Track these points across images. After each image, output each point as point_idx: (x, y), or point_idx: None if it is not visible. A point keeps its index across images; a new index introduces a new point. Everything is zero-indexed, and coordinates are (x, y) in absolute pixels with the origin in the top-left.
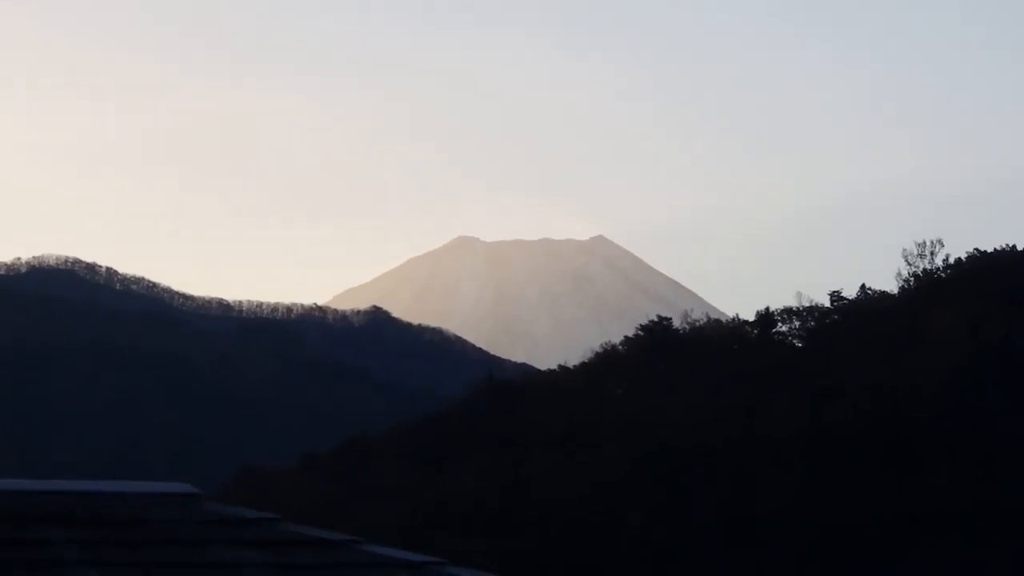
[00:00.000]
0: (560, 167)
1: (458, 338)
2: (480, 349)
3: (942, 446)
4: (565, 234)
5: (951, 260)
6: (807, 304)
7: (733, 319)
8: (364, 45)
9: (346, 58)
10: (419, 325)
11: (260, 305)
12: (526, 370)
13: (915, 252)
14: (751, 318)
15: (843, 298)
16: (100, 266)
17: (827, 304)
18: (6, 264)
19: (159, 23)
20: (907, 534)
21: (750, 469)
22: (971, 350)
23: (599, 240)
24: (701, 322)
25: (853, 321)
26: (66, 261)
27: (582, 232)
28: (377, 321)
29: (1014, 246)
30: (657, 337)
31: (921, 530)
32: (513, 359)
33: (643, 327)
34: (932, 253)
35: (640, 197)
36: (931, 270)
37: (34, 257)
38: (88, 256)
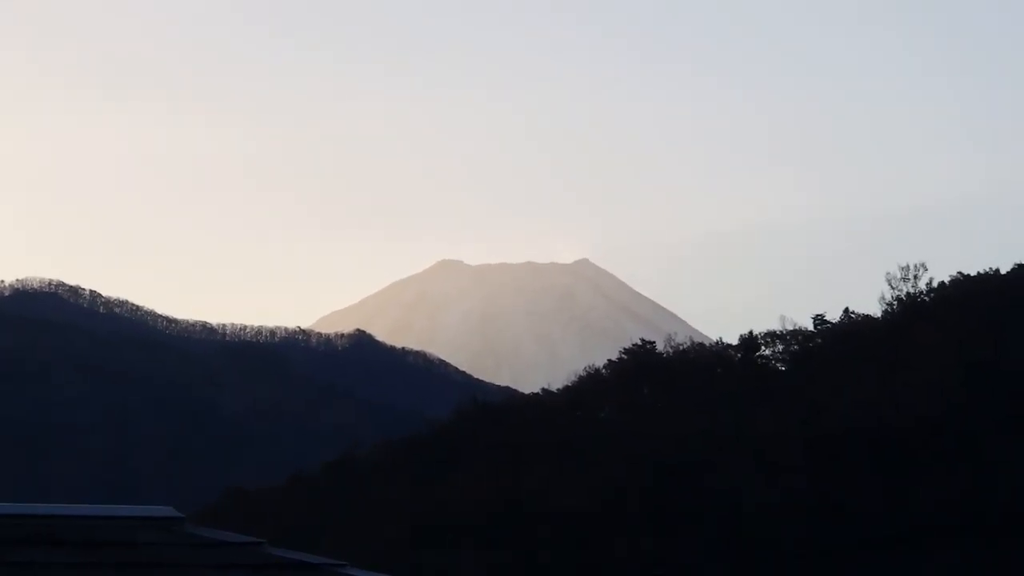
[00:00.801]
0: (545, 190)
1: (442, 361)
2: (464, 372)
3: (926, 466)
4: (549, 257)
5: (935, 284)
6: (790, 328)
7: (717, 342)
8: (345, 70)
9: (328, 83)
10: (403, 348)
11: (244, 328)
12: (509, 393)
13: (899, 276)
14: (734, 341)
15: (827, 322)
16: (84, 289)
17: (810, 328)
18: None
19: (134, 52)
20: (893, 551)
21: (733, 487)
22: (955, 371)
23: (583, 263)
24: (685, 345)
25: (837, 344)
26: (50, 284)
27: (566, 255)
28: (361, 344)
29: (997, 270)
30: (641, 360)
31: (906, 548)
32: (497, 382)
33: (627, 350)
34: (916, 277)
35: (624, 221)
36: (915, 294)
37: (18, 280)
38: (72, 279)
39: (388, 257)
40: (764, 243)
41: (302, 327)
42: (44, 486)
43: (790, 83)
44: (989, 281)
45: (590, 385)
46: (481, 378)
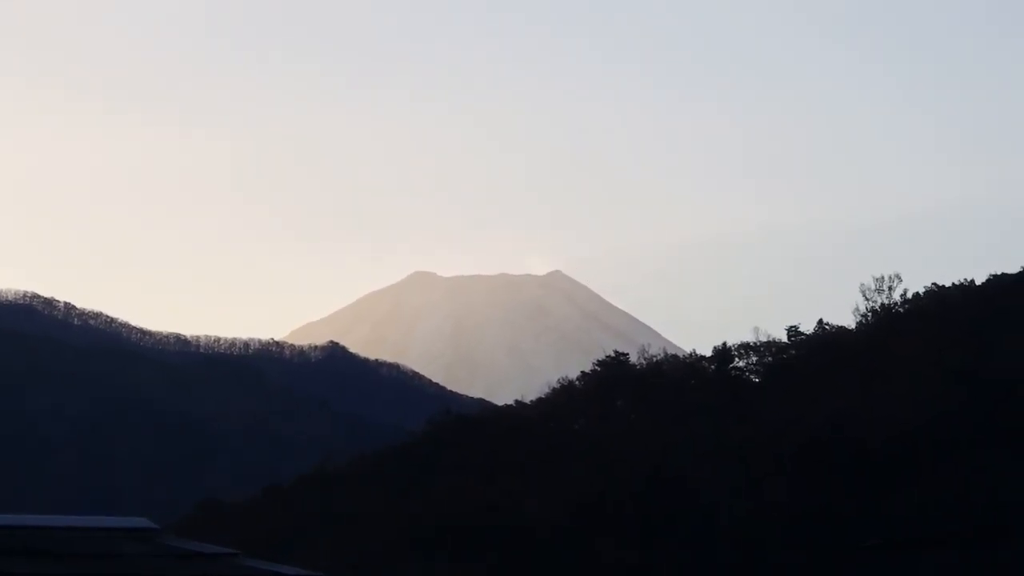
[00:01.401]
0: (518, 202)
1: (416, 373)
2: (437, 384)
3: (902, 476)
4: (523, 269)
5: (909, 295)
6: (764, 339)
7: (690, 354)
8: (318, 82)
9: (301, 95)
10: (376, 360)
11: (218, 340)
12: (483, 405)
13: (873, 287)
14: (708, 353)
15: (801, 333)
16: (58, 301)
17: (784, 339)
18: None
19: (108, 61)
20: (869, 562)
21: (706, 501)
22: (932, 381)
23: (556, 275)
24: (658, 357)
25: (811, 356)
26: (24, 296)
27: (539, 267)
28: (334, 356)
29: (972, 280)
30: (614, 372)
31: (882, 558)
32: (471, 393)
33: (600, 362)
34: (890, 288)
35: (597, 232)
36: (889, 305)
37: None
38: (46, 291)
39: (362, 269)
40: (737, 254)
41: (276, 339)
42: (16, 499)
43: (762, 93)
44: (965, 292)
45: (564, 397)
46: (455, 390)
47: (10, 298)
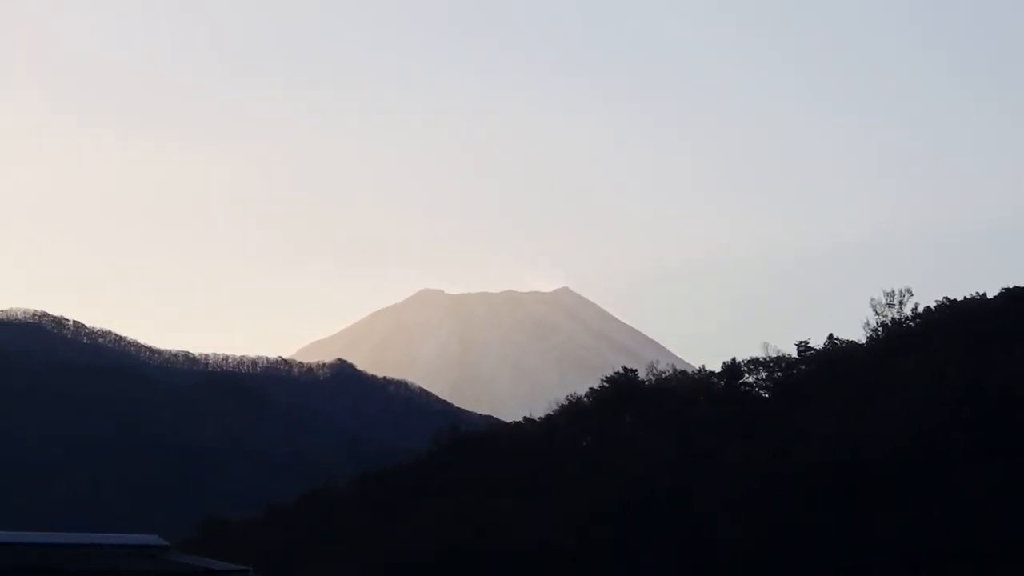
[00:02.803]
0: (525, 220)
1: (422, 390)
2: (444, 400)
3: (908, 491)
4: (529, 286)
5: (920, 309)
6: (774, 355)
7: (699, 370)
8: (327, 102)
9: (310, 115)
10: (384, 377)
11: (226, 359)
12: (490, 422)
13: (883, 302)
14: (717, 369)
15: (810, 348)
16: (67, 320)
17: (794, 354)
18: None
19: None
20: None
21: (714, 515)
22: (938, 398)
23: (563, 291)
24: (667, 374)
25: (820, 371)
26: (34, 315)
27: (546, 284)
28: (342, 373)
29: (984, 294)
30: (622, 388)
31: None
32: (477, 410)
33: (608, 378)
34: (901, 302)
35: (604, 249)
36: (900, 319)
37: (1, 310)
38: (56, 310)
39: (369, 287)
40: (747, 270)
41: (284, 357)
42: (21, 516)
43: (770, 109)
44: (976, 306)
45: (571, 413)
46: (462, 407)
47: (20, 317)
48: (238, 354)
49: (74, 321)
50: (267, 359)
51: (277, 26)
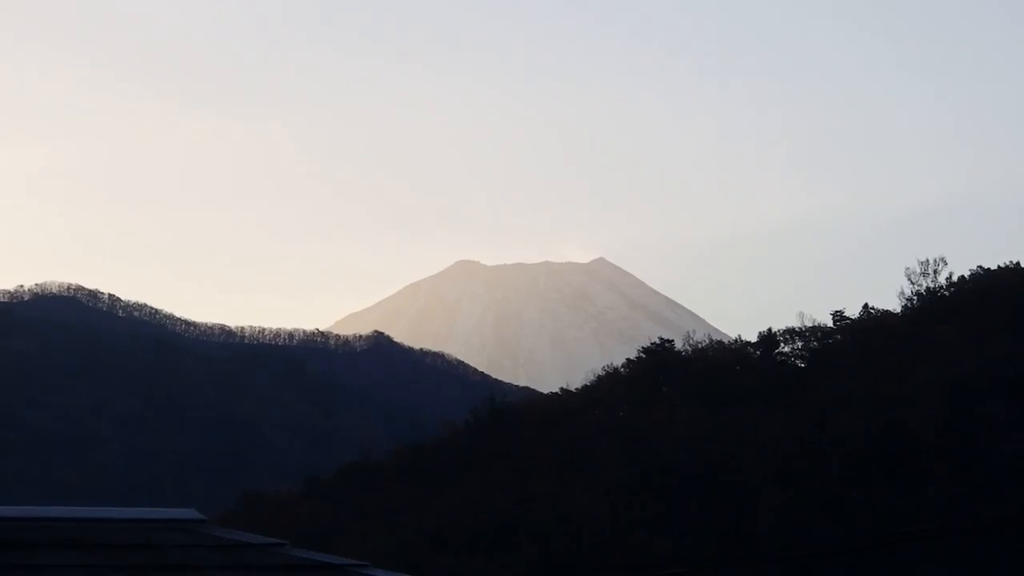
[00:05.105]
0: (561, 190)
1: (460, 362)
2: (482, 372)
3: (945, 462)
4: (566, 257)
5: (954, 278)
6: (809, 324)
7: (736, 340)
8: (361, 71)
9: (344, 84)
10: (421, 349)
11: (263, 331)
12: (528, 393)
13: (918, 271)
14: (753, 339)
15: (846, 318)
16: (103, 293)
17: (830, 324)
18: (9, 291)
19: (147, 54)
20: (910, 549)
21: (752, 486)
22: (975, 366)
23: (600, 262)
24: (703, 343)
25: (856, 340)
26: (68, 288)
27: (583, 254)
28: (379, 346)
29: (1018, 263)
30: (659, 359)
31: (923, 546)
32: (515, 382)
33: (645, 349)
34: (935, 271)
35: (640, 219)
36: (934, 288)
37: (37, 284)
38: (90, 283)
39: (405, 258)
40: (783, 240)
41: (320, 329)
42: (61, 490)
43: (806, 83)
44: (1010, 275)
45: (608, 384)
46: (499, 378)
47: (55, 290)
48: (275, 327)
49: (109, 294)
50: (304, 331)
51: None
